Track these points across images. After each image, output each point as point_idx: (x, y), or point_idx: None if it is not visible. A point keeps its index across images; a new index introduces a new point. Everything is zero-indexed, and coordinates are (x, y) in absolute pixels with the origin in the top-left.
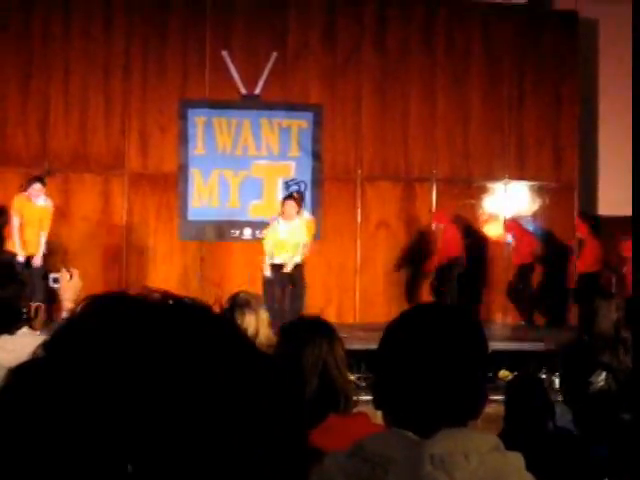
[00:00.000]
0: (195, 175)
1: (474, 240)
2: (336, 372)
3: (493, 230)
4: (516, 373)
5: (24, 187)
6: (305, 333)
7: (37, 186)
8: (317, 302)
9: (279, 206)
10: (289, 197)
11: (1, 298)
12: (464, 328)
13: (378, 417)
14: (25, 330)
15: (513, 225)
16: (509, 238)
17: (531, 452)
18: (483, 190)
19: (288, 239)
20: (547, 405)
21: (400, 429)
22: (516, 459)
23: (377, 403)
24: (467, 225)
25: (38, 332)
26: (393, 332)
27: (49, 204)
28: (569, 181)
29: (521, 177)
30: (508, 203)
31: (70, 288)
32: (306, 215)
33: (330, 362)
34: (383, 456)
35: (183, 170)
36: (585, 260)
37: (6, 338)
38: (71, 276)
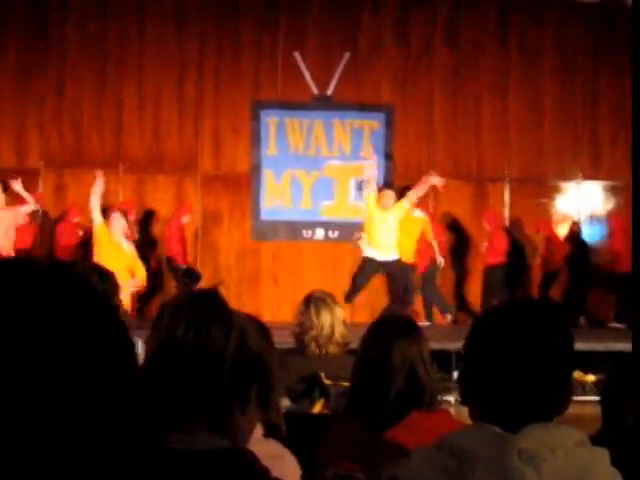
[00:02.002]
0: (267, 175)
1: (548, 240)
2: (422, 370)
3: (566, 230)
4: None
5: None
6: (393, 332)
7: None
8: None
9: (351, 207)
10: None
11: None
12: (553, 326)
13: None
14: None
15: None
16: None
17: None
18: (556, 189)
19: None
20: None
21: (487, 423)
22: (602, 455)
23: (464, 396)
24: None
25: None
26: (483, 326)
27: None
28: None
29: (595, 177)
30: (581, 203)
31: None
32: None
33: (417, 361)
34: (470, 451)
35: (255, 171)
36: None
37: None
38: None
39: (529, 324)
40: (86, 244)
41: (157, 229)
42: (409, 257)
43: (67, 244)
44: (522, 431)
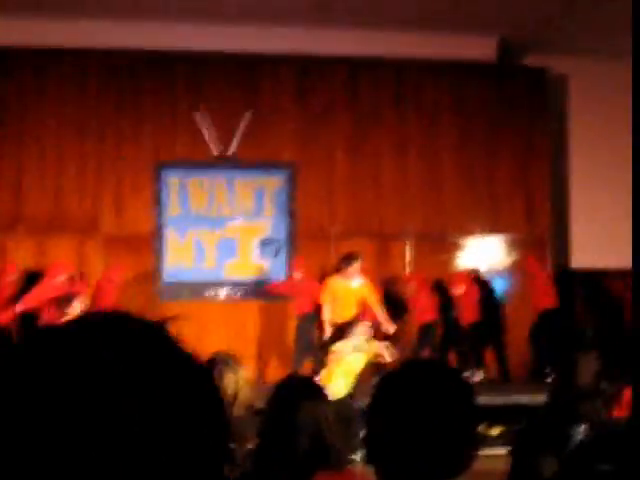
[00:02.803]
0: (171, 236)
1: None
2: (327, 430)
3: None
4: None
5: None
6: (298, 393)
7: None
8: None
9: (254, 265)
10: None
11: None
12: (454, 385)
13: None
14: None
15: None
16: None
17: None
18: (457, 245)
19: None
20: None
21: None
22: None
23: (370, 457)
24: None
25: None
26: (385, 387)
27: None
28: (541, 234)
29: (495, 230)
30: (483, 257)
31: None
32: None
33: (322, 421)
34: None
35: (159, 231)
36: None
37: None
38: None
39: (429, 384)
40: None
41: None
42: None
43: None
44: None
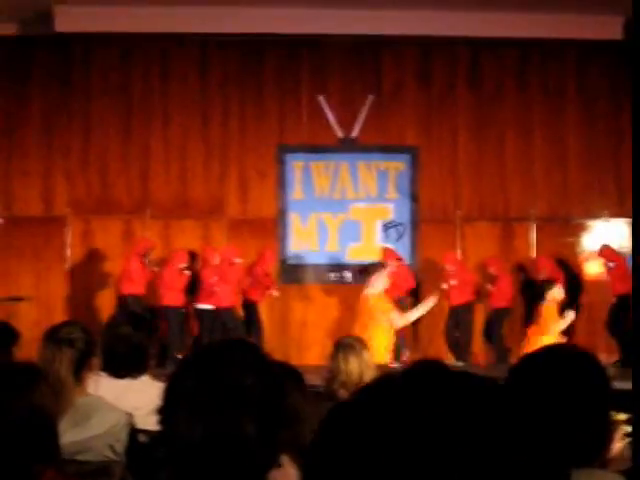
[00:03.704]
0: (294, 219)
1: (573, 279)
2: None
3: (593, 268)
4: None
5: None
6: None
7: None
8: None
9: (377, 248)
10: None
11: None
12: (588, 370)
13: None
14: (147, 378)
15: (609, 252)
16: (610, 265)
17: None
18: (582, 228)
19: None
20: None
21: None
22: None
23: None
24: (565, 264)
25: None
26: (517, 373)
27: None
28: None
29: (621, 214)
30: (608, 241)
31: None
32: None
33: None
34: None
35: (282, 215)
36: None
37: (130, 383)
38: None
39: (566, 369)
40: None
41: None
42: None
43: (173, 289)
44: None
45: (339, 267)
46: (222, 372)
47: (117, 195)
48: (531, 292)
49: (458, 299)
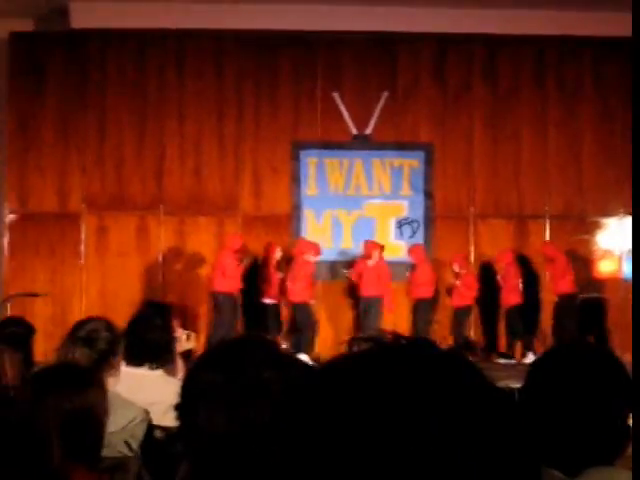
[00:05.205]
0: (308, 216)
1: (589, 276)
2: None
3: (608, 266)
4: None
5: None
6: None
7: None
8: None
9: (392, 245)
10: None
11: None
12: (609, 368)
13: None
14: (161, 373)
15: (550, 249)
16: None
17: None
18: (597, 226)
19: None
20: None
21: (548, 468)
22: None
23: None
24: (582, 261)
25: (177, 377)
26: (538, 370)
27: None
28: None
29: None
30: (623, 239)
31: (183, 347)
32: None
33: None
34: None
35: (296, 211)
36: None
37: (145, 375)
38: (188, 337)
39: (589, 367)
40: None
41: (203, 270)
42: None
43: (228, 277)
44: (583, 475)
45: (353, 264)
46: (241, 366)
47: (132, 191)
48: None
49: (459, 301)
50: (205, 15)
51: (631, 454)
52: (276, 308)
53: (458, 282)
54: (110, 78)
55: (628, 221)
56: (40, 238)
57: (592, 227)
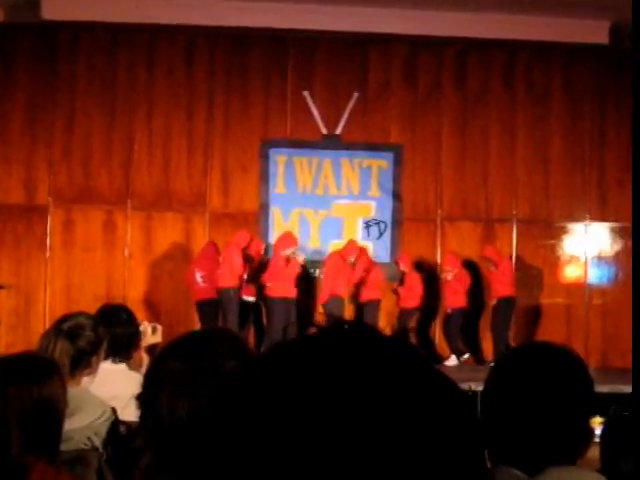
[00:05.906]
0: (275, 214)
1: (554, 282)
2: None
3: (573, 272)
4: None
5: None
6: None
7: None
8: None
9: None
10: None
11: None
12: (573, 368)
13: None
14: (124, 367)
15: (492, 253)
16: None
17: None
18: (563, 231)
19: None
20: None
21: (507, 467)
22: None
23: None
24: (547, 266)
25: (141, 371)
26: (501, 369)
27: None
28: None
29: (602, 218)
30: (589, 244)
31: (148, 341)
32: None
33: None
34: None
35: (264, 209)
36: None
37: (107, 369)
38: (154, 330)
39: (548, 367)
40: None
41: (168, 265)
42: None
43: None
44: (542, 474)
45: (320, 264)
46: (204, 356)
47: (99, 185)
48: None
49: (404, 303)
50: (177, 10)
51: (592, 457)
52: (257, 305)
53: (400, 288)
54: (80, 71)
55: (594, 227)
56: (5, 230)
57: (558, 232)
